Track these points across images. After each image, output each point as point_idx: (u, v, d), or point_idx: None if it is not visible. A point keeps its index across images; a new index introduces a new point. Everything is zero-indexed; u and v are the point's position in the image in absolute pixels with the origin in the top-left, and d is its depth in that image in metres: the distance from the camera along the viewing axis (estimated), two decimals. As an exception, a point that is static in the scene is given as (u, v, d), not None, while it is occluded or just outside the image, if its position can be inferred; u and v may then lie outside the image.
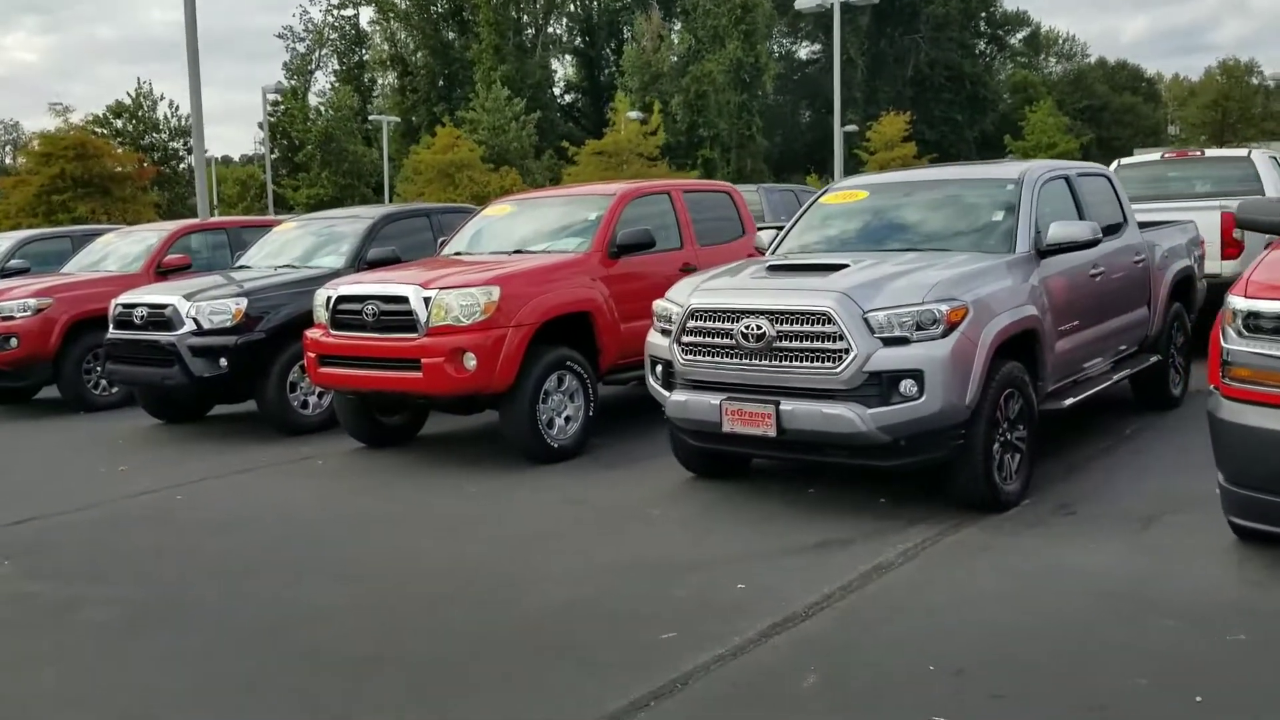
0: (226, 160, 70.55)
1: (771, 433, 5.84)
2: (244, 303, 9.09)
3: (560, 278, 7.97)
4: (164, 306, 9.25)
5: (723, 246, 9.42)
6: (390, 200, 47.32)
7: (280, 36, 74.85)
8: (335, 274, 9.71)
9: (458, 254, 9.05)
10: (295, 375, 9.29)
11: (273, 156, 45.07)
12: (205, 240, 12.43)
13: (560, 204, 9.41)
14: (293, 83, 58.77)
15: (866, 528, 5.82)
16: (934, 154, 54.73)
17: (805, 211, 7.69)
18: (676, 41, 65.75)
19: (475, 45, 65.69)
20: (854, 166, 61.67)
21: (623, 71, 65.57)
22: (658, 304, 6.68)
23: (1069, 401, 6.77)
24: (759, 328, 5.86)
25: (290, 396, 9.28)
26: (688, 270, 8.84)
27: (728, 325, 6.01)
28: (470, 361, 7.39)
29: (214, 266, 12.08)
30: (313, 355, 8.16)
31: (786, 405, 5.79)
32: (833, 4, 32.38)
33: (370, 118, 51.49)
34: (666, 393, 6.42)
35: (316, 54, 72.20)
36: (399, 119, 57.71)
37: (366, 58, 71.90)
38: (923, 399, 5.58)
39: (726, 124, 62.23)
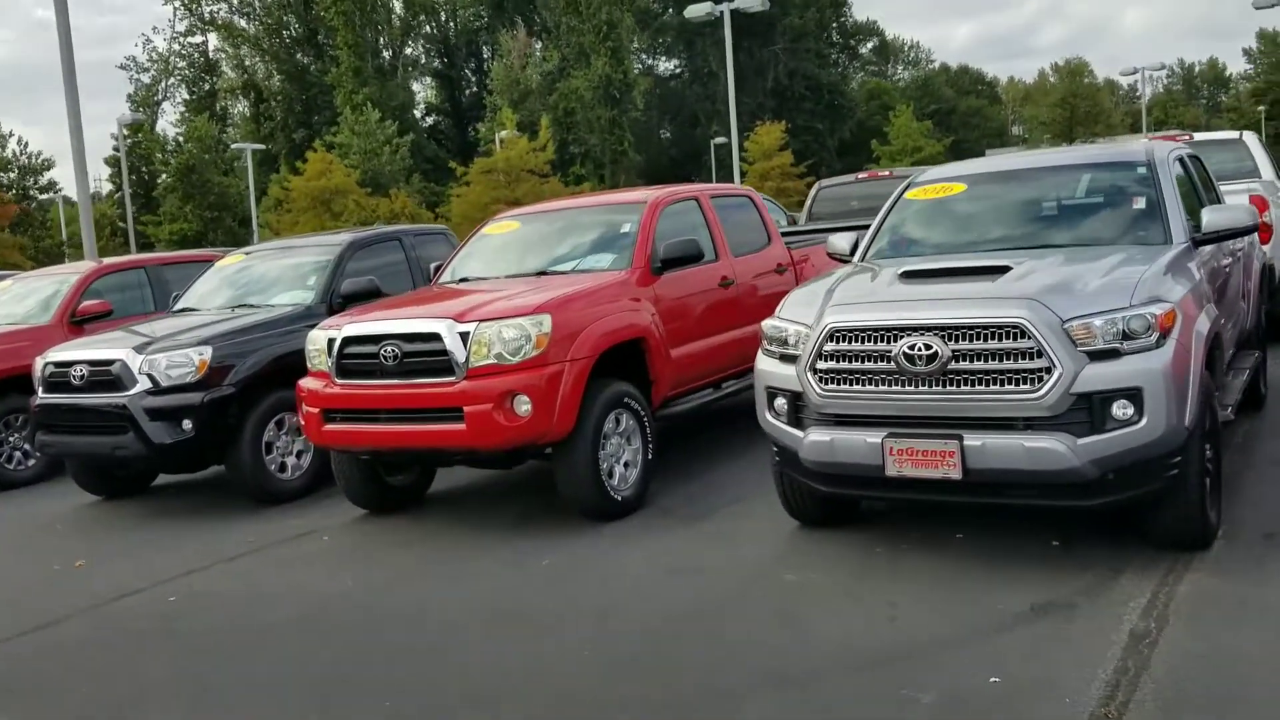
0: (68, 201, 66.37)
1: (955, 474, 4.83)
2: (208, 352, 7.65)
3: (607, 300, 6.83)
4: (109, 363, 7.73)
5: (755, 256, 8.42)
6: (256, 233, 44.97)
7: (123, 67, 71.12)
8: (308, 312, 8.38)
9: (463, 280, 7.82)
10: (270, 434, 7.90)
11: (124, 193, 42.13)
12: (122, 281, 10.79)
13: (578, 217, 8.23)
14: (139, 115, 55.37)
15: (1072, 583, 4.85)
16: (798, 163, 54.88)
17: (891, 210, 6.73)
18: (542, 59, 64.61)
19: (334, 69, 63.37)
20: (730, 178, 61.57)
21: (491, 90, 64.14)
22: (770, 325, 5.61)
23: (1230, 409, 5.95)
24: (928, 347, 4.85)
25: (267, 459, 7.88)
26: (727, 285, 7.83)
27: (884, 346, 4.98)
28: (523, 406, 6.19)
29: (135, 312, 10.51)
30: (313, 410, 6.81)
31: (973, 440, 4.79)
32: (722, 12, 31.60)
33: (232, 146, 48.83)
34: (797, 431, 5.35)
35: (163, 84, 68.75)
36: (264, 147, 55.09)
37: (218, 86, 68.75)
38: (1142, 423, 4.65)
39: (598, 140, 61.46)
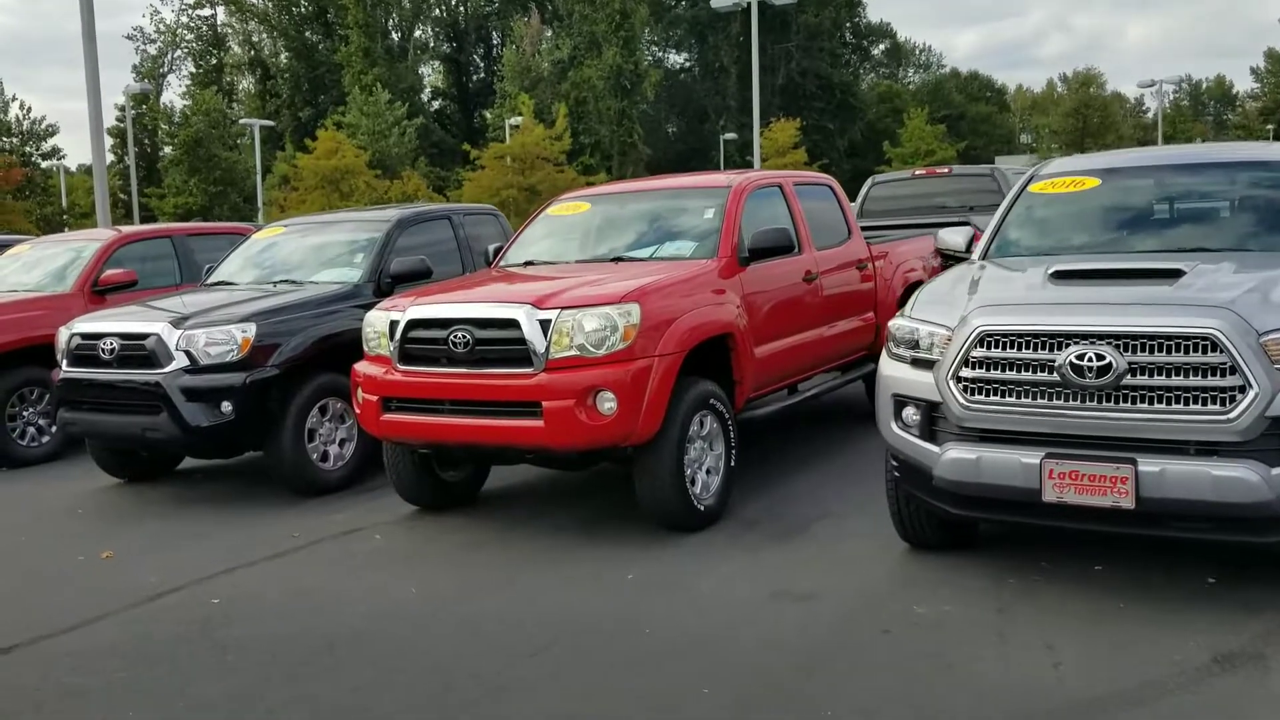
0: (78, 169, 65.38)
1: (1127, 503, 4.26)
2: (251, 330, 7.05)
3: (695, 292, 6.24)
4: (144, 336, 7.12)
5: (837, 250, 7.86)
6: (262, 210, 44.25)
7: (130, 38, 70.08)
8: (356, 291, 7.80)
9: (528, 264, 7.23)
10: (313, 420, 7.31)
11: (129, 165, 41.41)
12: (147, 251, 10.18)
13: (655, 200, 7.62)
14: (146, 86, 54.48)
15: (1249, 628, 4.31)
16: (810, 162, 54.34)
17: (1014, 204, 6.15)
18: (555, 47, 63.85)
19: (343, 48, 62.60)
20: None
21: (502, 76, 63.39)
22: (900, 325, 5.05)
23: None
24: (1100, 358, 4.29)
25: (309, 447, 7.29)
26: (810, 279, 7.26)
27: (1045, 355, 4.42)
28: (607, 404, 5.61)
29: (160, 284, 9.91)
30: (371, 398, 6.22)
31: (1149, 465, 4.22)
32: (749, 3, 31.00)
33: (240, 121, 48.04)
34: (930, 446, 4.78)
35: (169, 56, 67.92)
36: (273, 123, 54.32)
37: (225, 61, 67.93)
38: (1347, 454, 4.10)
39: (608, 131, 60.79)
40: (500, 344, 5.82)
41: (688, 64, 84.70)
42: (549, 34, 67.10)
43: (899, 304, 8.54)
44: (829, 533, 5.89)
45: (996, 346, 4.54)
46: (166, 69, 67.96)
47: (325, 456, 7.43)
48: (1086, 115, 74.73)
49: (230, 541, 6.45)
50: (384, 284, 7.97)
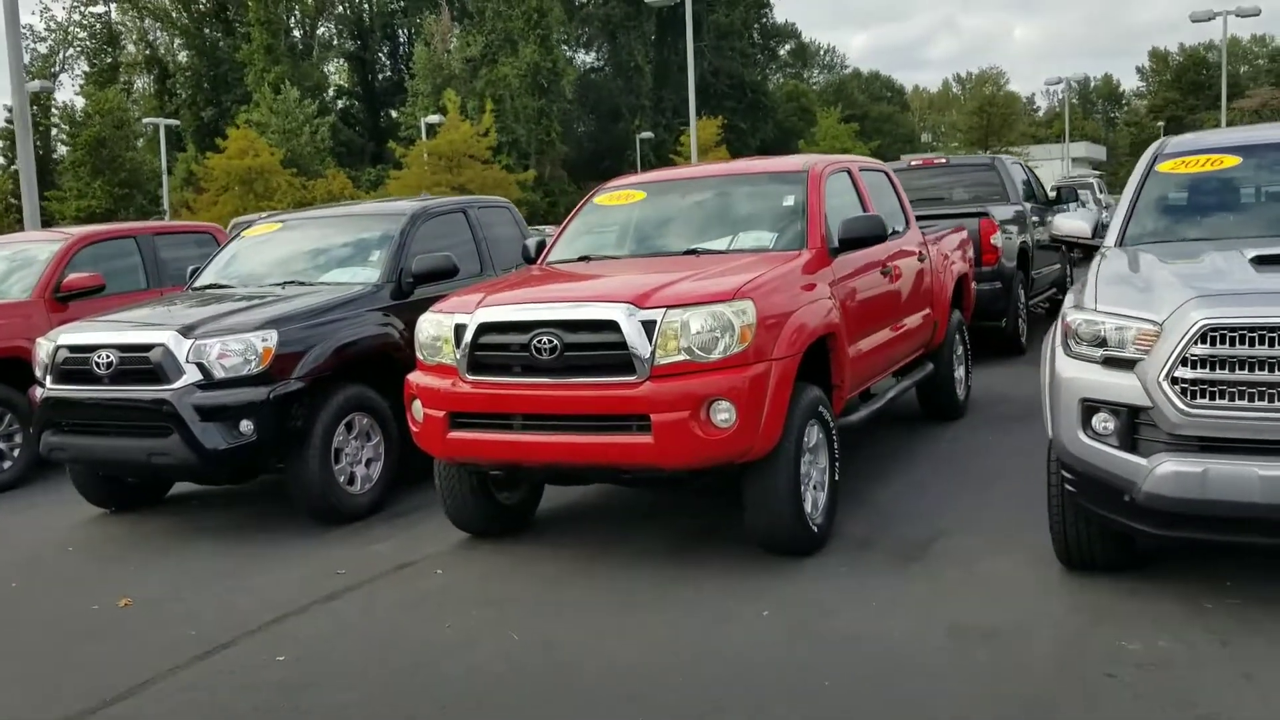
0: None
1: (1394, 520, 3.74)
2: (273, 337, 6.20)
3: (796, 286, 5.59)
4: (147, 348, 6.20)
5: (900, 240, 7.27)
6: (168, 212, 42.39)
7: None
8: (376, 291, 7.00)
9: (584, 258, 6.50)
10: (339, 439, 6.48)
11: (30, 168, 39.13)
12: (109, 251, 9.16)
13: (723, 186, 6.91)
14: (47, 84, 51.73)
15: None
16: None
17: (1143, 185, 5.62)
18: (466, 44, 62.51)
19: (245, 46, 60.49)
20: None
21: (413, 74, 61.94)
22: (1083, 319, 4.44)
23: None
24: (1353, 353, 3.76)
25: (335, 469, 6.47)
26: (886, 272, 6.69)
27: (1283, 351, 3.87)
28: (723, 415, 4.92)
29: (126, 288, 8.93)
30: (436, 413, 5.43)
31: None
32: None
33: (144, 121, 45.91)
34: (1134, 458, 4.19)
35: (61, 55, 64.94)
36: (177, 122, 52.14)
37: (120, 59, 65.18)
38: None
39: (525, 129, 59.75)
40: (594, 349, 5.09)
41: (599, 63, 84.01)
42: (457, 31, 65.74)
43: (952, 300, 8.06)
44: (959, 554, 5.28)
45: (1223, 343, 3.98)
46: (59, 68, 64.95)
47: (352, 479, 6.61)
48: (991, 113, 75.82)
49: (263, 581, 5.62)
50: (405, 284, 7.17)
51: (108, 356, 6.26)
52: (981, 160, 12.84)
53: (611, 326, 5.03)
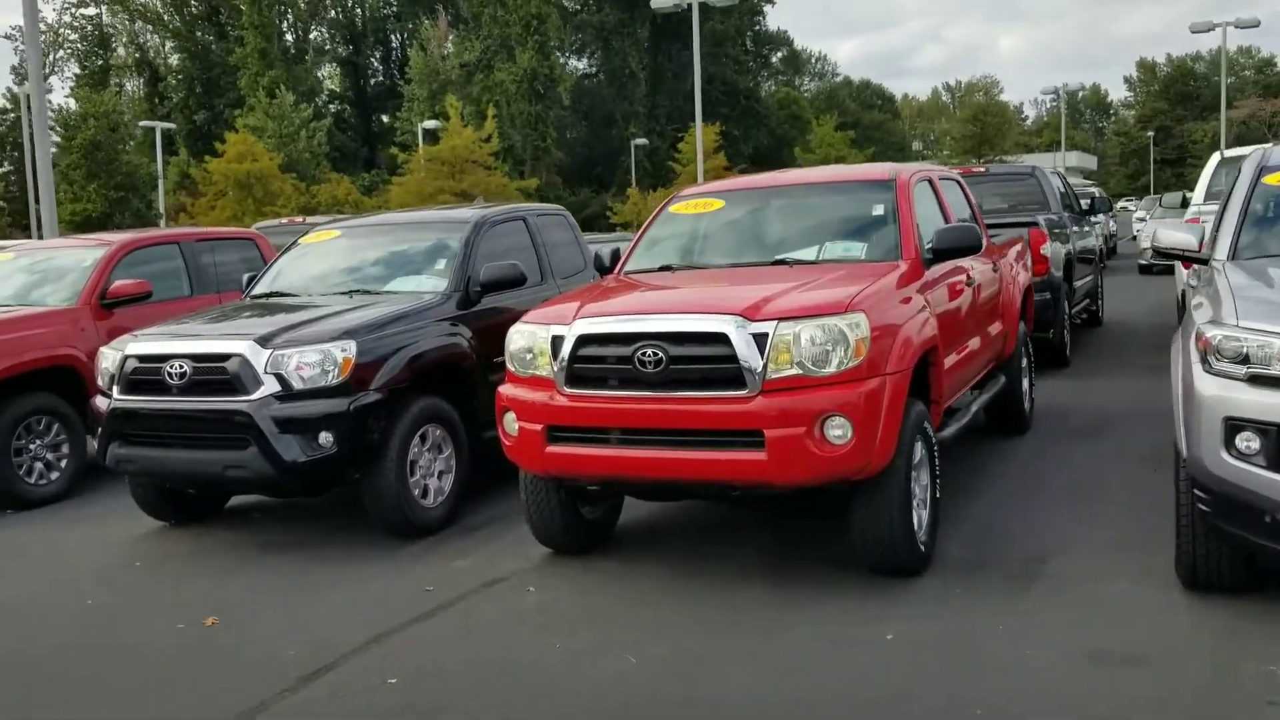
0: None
1: None
2: (352, 348, 6.04)
3: (899, 299, 5.46)
4: (224, 358, 6.03)
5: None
6: (165, 216, 42.04)
7: (8, 37, 66.28)
8: (446, 300, 6.86)
9: (665, 268, 6.37)
10: (414, 451, 6.33)
11: (32, 171, 38.69)
12: (153, 257, 8.97)
13: (806, 196, 6.77)
14: (45, 87, 51.50)
15: None
16: (728, 167, 54.10)
17: (1251, 195, 5.52)
18: (463, 49, 62.33)
19: (238, 50, 60.18)
20: (659, 181, 60.42)
21: (409, 79, 61.71)
22: (1223, 335, 4.31)
23: None
24: None
25: (411, 482, 6.31)
26: (971, 283, 6.57)
27: None
28: (837, 431, 4.79)
29: (170, 295, 8.74)
30: (534, 427, 5.28)
31: None
32: (690, 4, 30.40)
33: (141, 124, 45.54)
34: (1285, 479, 4.08)
35: (51, 57, 64.37)
36: (173, 126, 51.81)
37: (112, 62, 64.75)
38: None
39: (520, 135, 59.57)
40: (703, 362, 4.95)
41: (592, 69, 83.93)
42: (452, 36, 65.58)
43: (1020, 310, 7.95)
44: (1074, 574, 5.15)
45: (1383, 359, 3.87)
46: (49, 70, 64.42)
47: (424, 492, 6.45)
48: (985, 122, 76.05)
49: (347, 598, 5.46)
50: (472, 293, 7.03)
51: (181, 366, 6.09)
52: (1022, 169, 12.76)
53: (721, 339, 4.90)
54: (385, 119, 73.28)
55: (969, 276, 6.63)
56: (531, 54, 58.87)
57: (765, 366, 4.84)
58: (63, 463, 7.85)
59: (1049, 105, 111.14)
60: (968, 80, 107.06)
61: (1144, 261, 21.22)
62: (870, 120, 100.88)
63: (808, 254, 6.17)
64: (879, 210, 6.18)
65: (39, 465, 7.74)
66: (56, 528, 7.17)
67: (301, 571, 5.95)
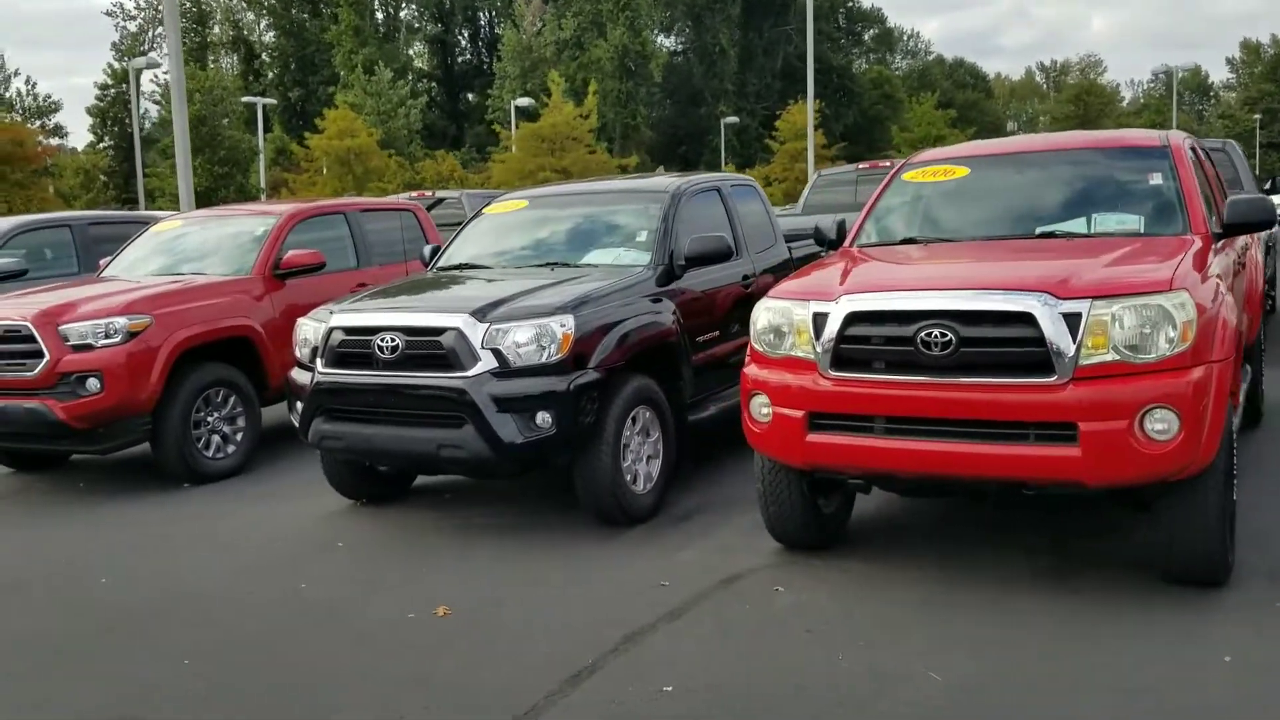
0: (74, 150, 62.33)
1: None
2: (570, 323, 5.60)
3: (1206, 276, 4.85)
4: (438, 331, 5.62)
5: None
6: (265, 191, 42.38)
7: (109, 14, 67.51)
8: (650, 274, 6.40)
9: (908, 241, 5.83)
10: (626, 434, 5.88)
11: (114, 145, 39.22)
12: (324, 228, 8.66)
13: (1065, 163, 5.99)
14: (150, 60, 52.21)
15: None
16: (826, 145, 53.08)
17: None
18: (558, 26, 61.96)
19: (333, 27, 60.53)
20: (747, 160, 59.69)
21: (500, 56, 61.56)
22: None
23: None
24: None
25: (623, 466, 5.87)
26: (1243, 263, 5.92)
27: None
28: (1160, 425, 4.23)
29: (337, 267, 8.42)
30: (794, 413, 4.79)
31: None
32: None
33: (242, 100, 45.97)
34: None
35: (150, 33, 65.37)
36: (274, 101, 52.27)
37: (209, 39, 65.59)
38: None
39: (611, 113, 59.12)
40: (1001, 344, 4.42)
41: (681, 46, 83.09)
42: (546, 14, 65.27)
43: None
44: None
45: None
46: (148, 46, 65.37)
47: (634, 477, 6.01)
48: (1088, 102, 73.91)
49: (581, 592, 5.06)
50: (676, 267, 6.56)
51: (393, 340, 5.70)
52: (1213, 144, 11.93)
53: (1025, 319, 4.36)
54: (471, 97, 73.36)
55: (1240, 255, 6.00)
56: (623, 30, 58.37)
57: (1077, 351, 4.28)
58: (239, 436, 7.57)
59: (1145, 86, 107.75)
60: (1063, 60, 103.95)
61: None
62: (964, 99, 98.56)
63: (1075, 226, 5.58)
64: (1156, 179, 5.58)
65: (216, 438, 7.45)
66: (241, 505, 6.85)
67: (518, 559, 5.55)
